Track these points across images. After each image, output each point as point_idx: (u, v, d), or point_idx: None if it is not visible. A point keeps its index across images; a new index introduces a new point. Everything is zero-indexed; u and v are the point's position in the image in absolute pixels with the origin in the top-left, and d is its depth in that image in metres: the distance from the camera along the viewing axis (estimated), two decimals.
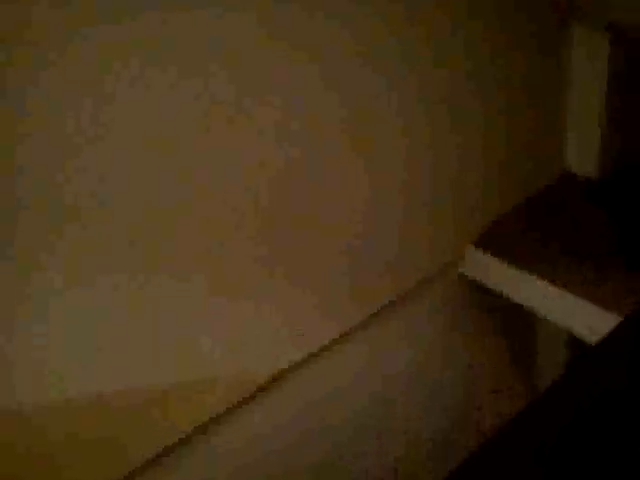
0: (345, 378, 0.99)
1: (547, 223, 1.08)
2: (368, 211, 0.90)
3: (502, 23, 0.96)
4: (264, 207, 0.80)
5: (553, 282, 0.96)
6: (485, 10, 0.93)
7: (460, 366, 1.15)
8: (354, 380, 1.01)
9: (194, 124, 0.71)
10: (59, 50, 0.60)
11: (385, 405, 1.06)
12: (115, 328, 0.72)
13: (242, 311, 0.83)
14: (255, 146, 0.76)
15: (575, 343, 1.12)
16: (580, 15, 1.03)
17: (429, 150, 0.94)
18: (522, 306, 1.01)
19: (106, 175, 0.67)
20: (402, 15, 0.84)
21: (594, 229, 1.05)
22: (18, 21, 0.57)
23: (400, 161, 0.92)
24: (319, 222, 0.86)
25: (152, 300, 0.74)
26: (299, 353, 0.90)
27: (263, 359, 0.87)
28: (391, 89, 0.86)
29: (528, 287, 0.99)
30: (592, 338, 0.93)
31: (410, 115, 0.90)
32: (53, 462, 0.72)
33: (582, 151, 1.13)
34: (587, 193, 1.12)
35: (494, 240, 1.05)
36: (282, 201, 0.81)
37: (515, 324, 1.20)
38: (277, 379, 0.89)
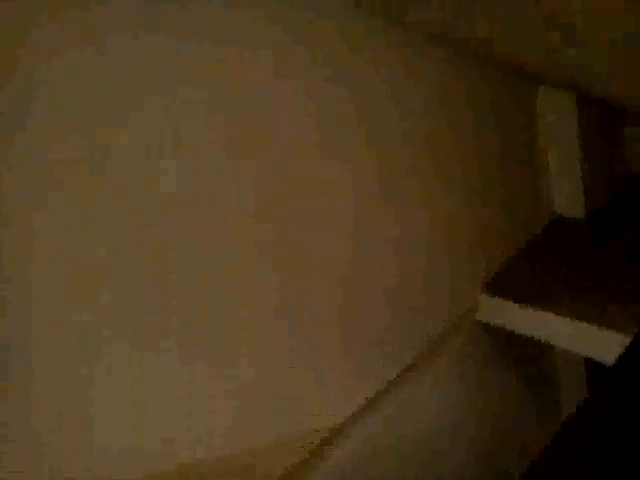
0: (380, 434, 1.05)
1: (546, 263, 1.20)
2: (397, 278, 1.02)
3: (483, 97, 1.11)
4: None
5: (563, 314, 1.07)
6: (467, 88, 1.08)
7: (486, 407, 1.23)
8: (388, 436, 1.07)
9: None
10: None
11: (418, 454, 1.12)
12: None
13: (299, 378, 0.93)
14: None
15: (593, 367, 1.23)
16: (545, 81, 1.18)
17: (443, 216, 1.08)
18: (539, 341, 1.12)
19: None
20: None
21: (588, 263, 1.17)
22: None
23: (422, 234, 1.05)
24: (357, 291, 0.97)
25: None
26: (340, 413, 0.99)
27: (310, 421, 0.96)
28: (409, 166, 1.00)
29: (541, 322, 1.10)
30: (606, 359, 1.03)
31: (430, 189, 1.04)
32: None
33: (567, 196, 1.26)
34: (576, 232, 1.25)
35: (503, 285, 1.16)
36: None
37: (534, 358, 1.30)
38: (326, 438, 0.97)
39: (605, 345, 1.02)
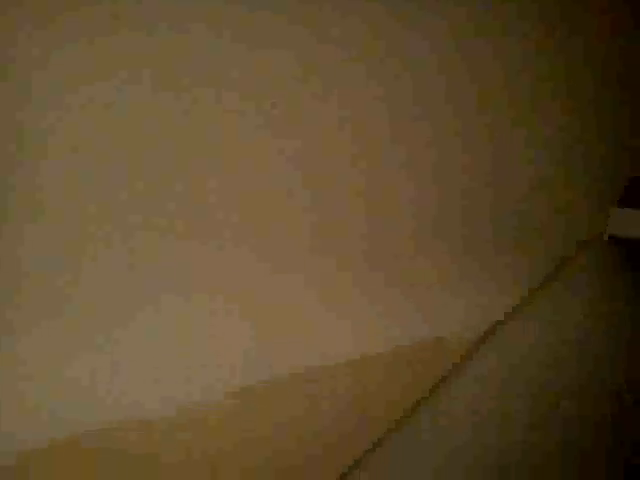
0: (521, 346, 1.11)
1: None
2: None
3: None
4: None
5: None
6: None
7: (616, 320, 1.25)
8: (528, 348, 1.12)
9: None
10: None
11: (554, 370, 1.17)
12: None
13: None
14: None
15: None
16: None
17: (577, 135, 1.13)
18: None
19: None
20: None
21: None
22: None
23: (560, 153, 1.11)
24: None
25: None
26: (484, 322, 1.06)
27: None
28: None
29: None
30: None
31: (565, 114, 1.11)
32: None
33: None
34: None
35: (633, 197, 1.20)
36: None
37: None
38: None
39: None
